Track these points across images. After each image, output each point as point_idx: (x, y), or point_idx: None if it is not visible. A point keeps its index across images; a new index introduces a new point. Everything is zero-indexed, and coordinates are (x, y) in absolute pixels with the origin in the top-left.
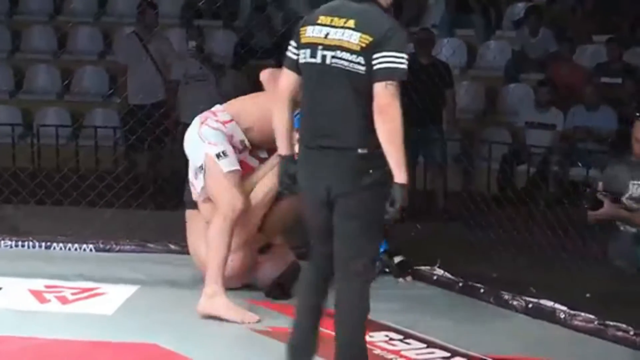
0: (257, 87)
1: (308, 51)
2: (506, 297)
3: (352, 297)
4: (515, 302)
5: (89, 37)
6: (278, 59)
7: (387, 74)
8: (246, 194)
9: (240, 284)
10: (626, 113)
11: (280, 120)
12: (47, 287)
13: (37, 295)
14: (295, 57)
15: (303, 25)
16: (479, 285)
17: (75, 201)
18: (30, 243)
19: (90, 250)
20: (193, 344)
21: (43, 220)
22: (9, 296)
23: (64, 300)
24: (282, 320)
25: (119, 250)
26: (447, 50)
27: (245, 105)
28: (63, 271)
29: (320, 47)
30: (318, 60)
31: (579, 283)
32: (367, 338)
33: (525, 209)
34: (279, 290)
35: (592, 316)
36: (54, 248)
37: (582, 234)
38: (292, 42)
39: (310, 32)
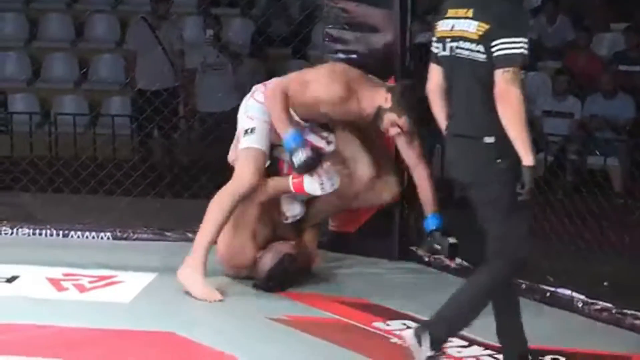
0: (274, 76)
1: (441, 45)
2: (524, 286)
3: (481, 273)
4: (532, 291)
5: (106, 25)
6: (295, 48)
7: (505, 61)
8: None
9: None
10: None
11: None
12: (64, 275)
13: (55, 283)
14: (436, 50)
15: (438, 21)
16: None
17: (92, 189)
18: (48, 231)
19: (108, 238)
20: (210, 332)
21: (60, 209)
22: (26, 284)
23: (81, 289)
24: (299, 308)
25: (137, 239)
26: None
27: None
28: (80, 259)
29: (448, 39)
30: (447, 52)
31: (597, 272)
32: (384, 326)
33: (542, 198)
34: (269, 282)
35: (610, 305)
36: (72, 236)
37: (600, 223)
38: (433, 37)
39: (441, 26)
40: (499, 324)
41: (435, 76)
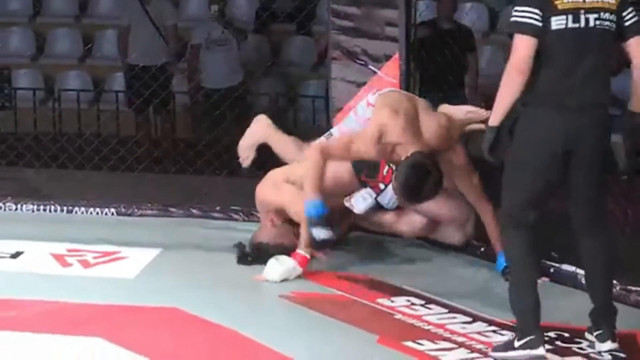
0: (278, 52)
1: (569, 17)
2: None
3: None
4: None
5: (110, 0)
6: (299, 24)
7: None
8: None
9: None
10: None
11: (513, 90)
12: (69, 250)
13: (59, 259)
14: (539, 24)
15: None
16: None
17: (96, 166)
18: (52, 207)
19: (112, 214)
20: (214, 307)
21: (64, 184)
22: (31, 260)
23: (85, 264)
24: (305, 284)
25: (141, 215)
26: (472, 15)
27: None
28: (85, 235)
29: (582, 11)
30: (580, 24)
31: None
32: (389, 302)
33: None
34: (246, 255)
35: (614, 281)
36: (76, 212)
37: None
38: (534, 10)
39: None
40: None
41: (530, 51)
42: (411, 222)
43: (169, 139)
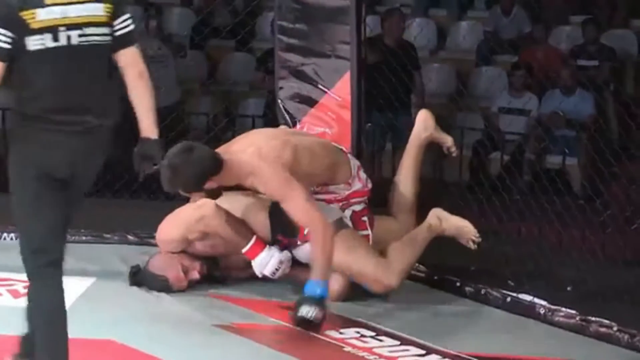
0: (216, 67)
1: (49, 35)
2: (483, 290)
3: None
4: (492, 296)
5: None
6: (239, 40)
7: (131, 38)
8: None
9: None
10: (603, 97)
11: None
12: None
13: None
14: (8, 46)
15: (24, 10)
16: (454, 278)
17: None
18: None
19: None
20: (151, 339)
21: None
22: None
23: (15, 294)
24: (246, 314)
25: (74, 241)
26: (416, 30)
27: None
28: (14, 263)
29: (61, 28)
30: (61, 42)
31: (558, 276)
32: (337, 334)
33: (498, 198)
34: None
35: (573, 311)
36: (4, 238)
37: (561, 224)
38: (1, 31)
39: (42, 16)
40: None
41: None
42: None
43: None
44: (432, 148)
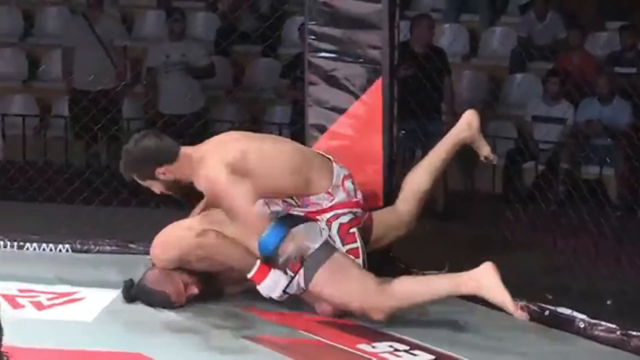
0: (242, 73)
1: None
2: (520, 304)
3: None
4: (530, 310)
5: (57, 19)
6: (265, 46)
7: None
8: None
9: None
10: None
11: None
12: (20, 290)
13: (9, 299)
14: None
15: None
16: None
17: (49, 198)
18: (1, 242)
19: (67, 250)
20: (179, 352)
21: (14, 218)
22: None
23: (39, 306)
24: (280, 329)
25: (98, 251)
26: (448, 37)
27: None
28: (37, 274)
29: None
30: None
31: (597, 289)
32: (370, 348)
33: (533, 209)
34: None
35: (613, 325)
36: (27, 248)
37: (598, 236)
38: None
39: None
40: None
41: None
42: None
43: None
44: (463, 156)
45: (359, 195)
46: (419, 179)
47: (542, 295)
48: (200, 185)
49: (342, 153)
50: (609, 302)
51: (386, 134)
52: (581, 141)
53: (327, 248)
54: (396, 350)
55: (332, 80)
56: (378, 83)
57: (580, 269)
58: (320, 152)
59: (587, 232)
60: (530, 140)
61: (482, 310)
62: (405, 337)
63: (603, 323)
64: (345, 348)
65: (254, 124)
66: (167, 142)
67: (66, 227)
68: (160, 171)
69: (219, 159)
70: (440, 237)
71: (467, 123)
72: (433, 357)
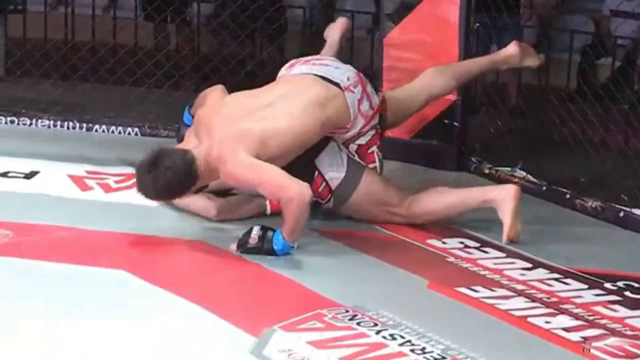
0: None
1: None
2: (594, 204)
3: None
4: (604, 211)
5: None
6: None
7: None
8: None
9: None
10: None
11: None
12: (88, 172)
13: (78, 181)
14: None
15: None
16: (564, 190)
17: (119, 80)
18: (70, 123)
19: (135, 134)
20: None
21: (83, 99)
22: (47, 181)
23: (107, 188)
24: (351, 223)
25: (167, 136)
26: None
27: None
28: (106, 156)
29: None
30: None
31: None
32: (440, 244)
33: (605, 107)
34: None
35: None
36: (96, 130)
37: None
38: None
39: None
40: None
41: None
42: None
43: (201, 54)
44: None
45: (375, 103)
46: (435, 74)
47: (618, 196)
48: (230, 182)
49: (415, 46)
50: None
51: (463, 27)
52: None
53: (351, 176)
54: (467, 246)
55: None
56: None
57: None
58: (327, 81)
59: None
60: (607, 36)
61: (550, 209)
62: (476, 234)
63: None
64: (415, 242)
65: (328, 8)
66: (182, 165)
67: (135, 110)
68: (189, 191)
69: (238, 156)
70: (510, 134)
71: (519, 56)
72: (504, 254)
